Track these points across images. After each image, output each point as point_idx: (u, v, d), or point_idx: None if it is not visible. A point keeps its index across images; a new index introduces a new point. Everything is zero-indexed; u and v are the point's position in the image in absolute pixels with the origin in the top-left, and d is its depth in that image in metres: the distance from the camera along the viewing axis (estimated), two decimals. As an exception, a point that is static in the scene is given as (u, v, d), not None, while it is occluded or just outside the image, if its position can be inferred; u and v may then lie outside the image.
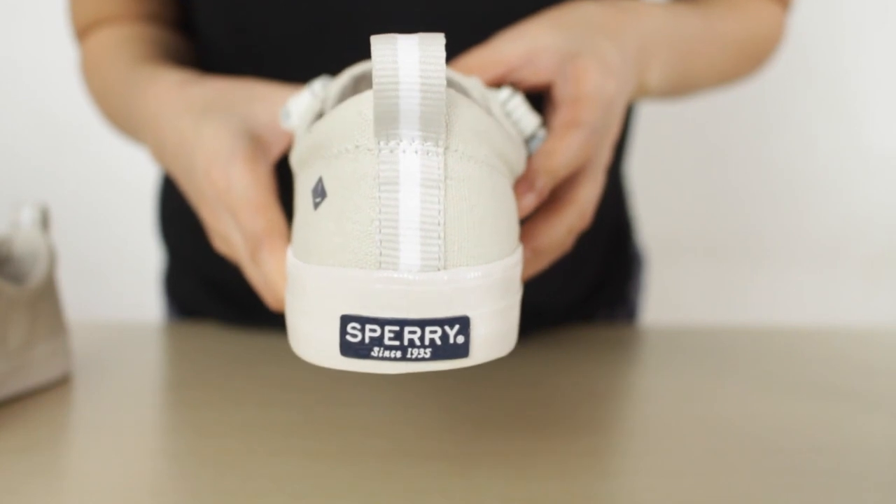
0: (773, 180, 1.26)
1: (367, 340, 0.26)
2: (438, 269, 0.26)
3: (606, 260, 0.65)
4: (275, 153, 0.40)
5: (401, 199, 0.25)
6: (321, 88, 0.36)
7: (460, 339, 0.26)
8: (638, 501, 0.35)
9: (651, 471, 0.38)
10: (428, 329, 0.26)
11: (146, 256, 1.12)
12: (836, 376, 0.53)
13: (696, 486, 0.36)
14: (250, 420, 0.42)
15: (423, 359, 0.26)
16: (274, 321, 0.60)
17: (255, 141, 0.39)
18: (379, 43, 0.25)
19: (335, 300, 0.26)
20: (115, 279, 1.28)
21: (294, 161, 0.32)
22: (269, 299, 0.38)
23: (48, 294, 0.47)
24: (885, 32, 1.26)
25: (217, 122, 0.39)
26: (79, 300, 0.84)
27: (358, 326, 0.26)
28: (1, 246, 0.46)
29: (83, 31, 0.59)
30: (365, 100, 0.26)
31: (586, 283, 0.63)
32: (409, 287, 0.25)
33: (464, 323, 0.26)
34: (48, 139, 1.25)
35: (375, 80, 0.25)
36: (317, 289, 0.27)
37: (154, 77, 0.46)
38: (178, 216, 0.63)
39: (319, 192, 0.27)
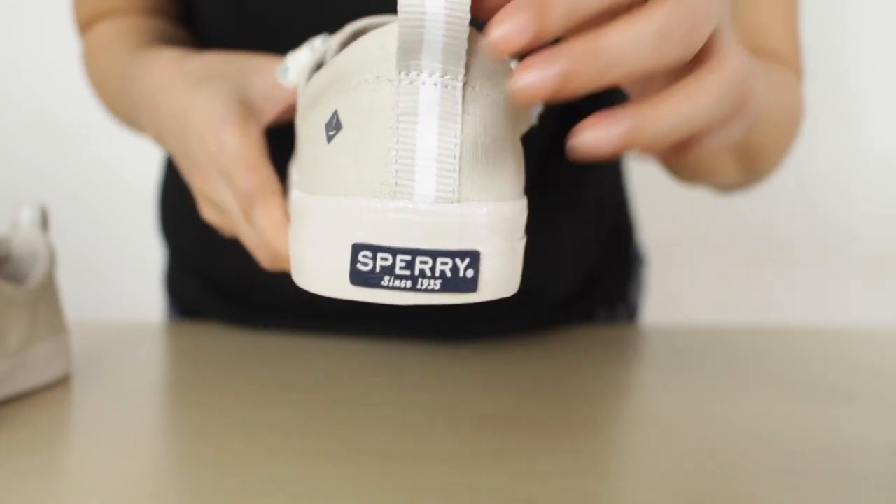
0: (773, 181, 1.26)
1: (377, 269, 0.26)
2: (452, 202, 0.26)
3: (606, 253, 0.65)
4: (267, 118, 0.42)
5: (419, 130, 0.26)
6: (321, 44, 0.37)
7: (470, 273, 0.26)
8: (638, 501, 0.35)
9: (651, 471, 0.38)
10: (439, 260, 0.26)
11: (146, 256, 1.12)
12: (836, 376, 0.53)
13: (696, 486, 0.36)
14: (250, 420, 0.42)
15: (433, 290, 0.26)
16: (274, 321, 0.60)
17: (246, 106, 0.40)
18: None
19: (347, 229, 0.26)
20: (115, 279, 1.28)
21: (302, 106, 0.32)
22: (264, 257, 0.39)
23: (48, 294, 0.47)
24: (885, 32, 1.26)
25: (210, 90, 0.41)
26: (79, 300, 0.85)
27: (369, 255, 0.26)
28: (0, 246, 0.46)
29: (86, 24, 0.60)
30: (388, 32, 0.26)
31: (584, 271, 0.63)
32: (423, 217, 0.26)
33: (474, 257, 0.26)
34: (48, 139, 1.25)
35: (401, 10, 0.25)
36: (328, 218, 0.27)
37: (151, 57, 0.47)
38: (179, 215, 0.63)
39: (334, 125, 0.27)
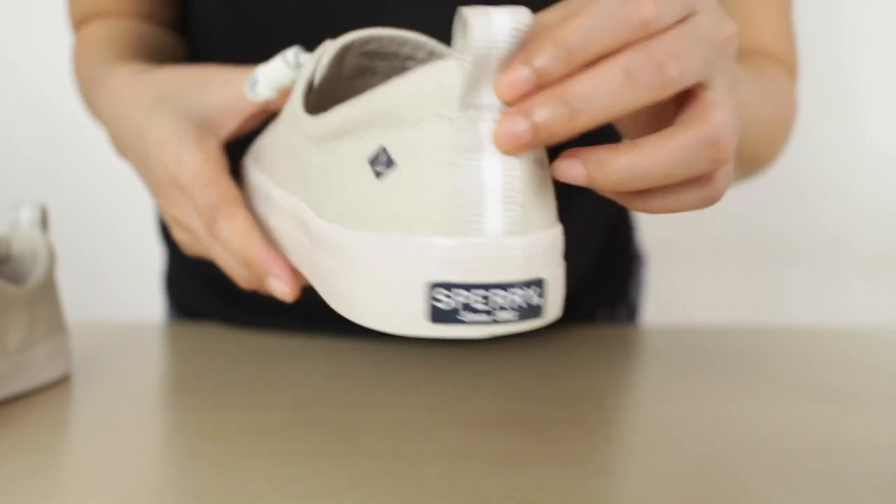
0: (772, 180, 1.26)
1: (455, 306, 0.27)
2: (517, 234, 0.27)
3: (606, 252, 0.65)
4: (226, 132, 0.42)
5: (483, 167, 0.26)
6: (294, 57, 0.37)
7: (538, 301, 0.28)
8: (638, 501, 0.35)
9: (651, 471, 0.38)
10: (513, 291, 0.27)
11: (146, 256, 1.12)
12: (836, 376, 0.53)
13: (696, 486, 0.36)
14: (250, 420, 0.42)
15: (510, 321, 0.27)
16: (274, 321, 0.60)
17: (203, 124, 0.41)
18: (475, 15, 0.25)
19: (419, 267, 0.27)
20: (115, 279, 1.28)
21: (314, 134, 0.32)
22: (239, 276, 0.40)
23: (47, 294, 0.47)
24: (883, 32, 1.26)
25: (166, 112, 0.41)
26: (79, 300, 0.85)
27: (447, 293, 0.26)
28: (0, 246, 0.46)
29: (79, 23, 0.60)
30: (444, 70, 0.27)
31: (584, 270, 0.63)
32: (495, 252, 0.26)
33: (540, 284, 0.28)
34: (48, 139, 1.25)
35: (473, 50, 0.25)
36: (393, 256, 0.27)
37: (111, 71, 0.47)
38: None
39: (383, 162, 0.28)
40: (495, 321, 0.27)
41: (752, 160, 0.54)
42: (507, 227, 0.27)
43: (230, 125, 0.42)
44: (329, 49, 0.36)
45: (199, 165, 0.39)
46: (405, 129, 0.27)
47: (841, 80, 1.27)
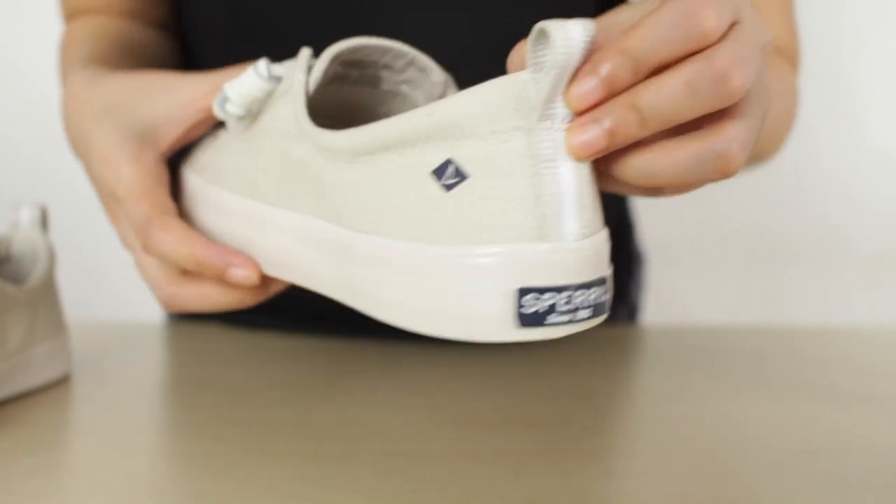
0: (772, 180, 1.26)
1: (542, 309, 0.28)
2: (589, 236, 0.28)
3: None
4: (169, 141, 0.42)
5: (560, 175, 0.28)
6: (267, 69, 0.37)
7: (605, 297, 0.29)
8: (638, 501, 0.35)
9: (651, 471, 0.38)
10: (589, 291, 0.28)
11: (146, 256, 1.12)
12: (836, 376, 0.53)
13: (696, 486, 0.36)
14: (250, 420, 0.42)
15: (586, 319, 0.28)
16: (274, 321, 0.60)
17: (144, 136, 0.41)
18: (556, 28, 0.26)
19: (508, 274, 0.28)
20: (115, 279, 1.28)
21: (347, 148, 0.32)
22: (161, 296, 0.40)
23: (47, 294, 0.47)
24: (884, 31, 1.26)
25: (107, 124, 0.41)
26: (79, 300, 0.84)
27: (534, 297, 0.28)
28: (0, 246, 0.46)
29: (69, 17, 0.60)
30: (521, 83, 0.27)
31: None
32: (575, 255, 0.28)
33: (606, 282, 0.29)
34: (48, 139, 1.25)
35: (558, 61, 0.26)
36: (482, 267, 0.28)
37: (72, 76, 0.47)
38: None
39: (453, 174, 0.29)
40: (573, 321, 0.28)
41: (759, 154, 0.54)
42: (582, 230, 0.28)
43: (172, 135, 0.41)
44: (321, 61, 0.36)
45: (135, 179, 0.39)
46: (477, 141, 0.28)
47: (841, 80, 1.27)
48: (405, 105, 0.40)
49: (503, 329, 0.28)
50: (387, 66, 0.38)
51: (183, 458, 0.38)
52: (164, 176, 0.40)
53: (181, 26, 0.60)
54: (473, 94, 0.28)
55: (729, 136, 0.29)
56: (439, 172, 0.29)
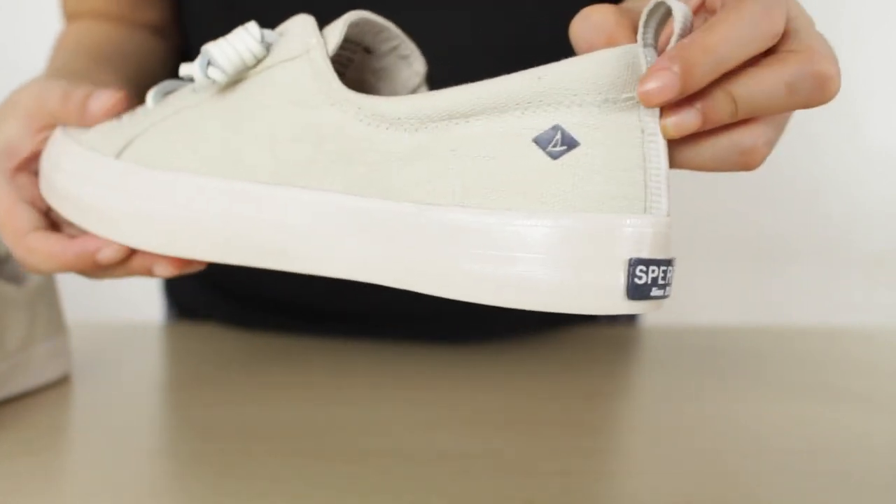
0: (773, 180, 1.26)
1: (649, 281, 0.28)
2: (669, 214, 0.29)
3: None
4: (18, 159, 0.40)
5: (661, 150, 0.28)
6: (259, 31, 0.34)
7: (672, 276, 0.30)
8: (638, 501, 0.35)
9: (651, 471, 0.38)
10: (672, 268, 0.29)
11: (146, 256, 1.12)
12: (836, 376, 0.53)
13: (696, 486, 0.36)
14: (250, 420, 0.42)
15: (667, 295, 0.29)
16: (274, 321, 0.60)
17: (2, 153, 0.40)
18: (675, 5, 0.27)
19: (619, 245, 0.28)
20: (115, 279, 1.28)
21: (412, 114, 0.30)
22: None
23: (47, 294, 0.47)
24: (885, 32, 1.26)
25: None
26: (79, 300, 0.84)
27: (644, 269, 0.28)
28: (0, 245, 0.46)
29: (67, 18, 0.60)
30: (632, 53, 0.27)
31: None
32: (668, 229, 0.28)
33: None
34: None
35: (679, 35, 0.27)
36: (596, 236, 0.28)
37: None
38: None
39: (560, 141, 0.28)
40: (664, 296, 0.28)
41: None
42: (668, 206, 0.28)
43: (25, 149, 0.40)
44: (337, 27, 0.34)
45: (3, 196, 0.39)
46: (592, 108, 0.28)
47: (842, 80, 1.27)
48: (367, 92, 0.37)
49: (615, 301, 0.28)
50: (368, 50, 0.36)
51: (183, 458, 0.38)
52: (13, 194, 0.39)
53: (181, 27, 0.60)
54: (588, 59, 0.28)
55: (756, 133, 0.29)
56: (544, 139, 0.28)
